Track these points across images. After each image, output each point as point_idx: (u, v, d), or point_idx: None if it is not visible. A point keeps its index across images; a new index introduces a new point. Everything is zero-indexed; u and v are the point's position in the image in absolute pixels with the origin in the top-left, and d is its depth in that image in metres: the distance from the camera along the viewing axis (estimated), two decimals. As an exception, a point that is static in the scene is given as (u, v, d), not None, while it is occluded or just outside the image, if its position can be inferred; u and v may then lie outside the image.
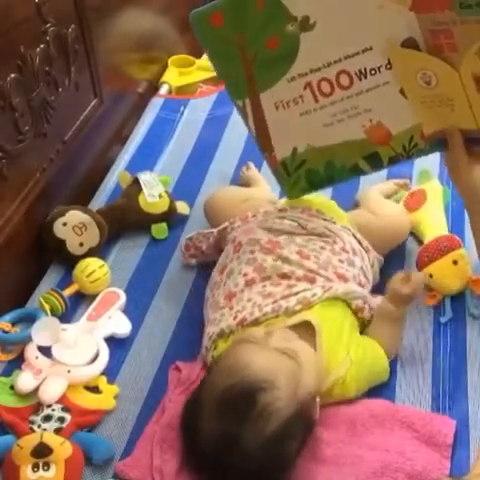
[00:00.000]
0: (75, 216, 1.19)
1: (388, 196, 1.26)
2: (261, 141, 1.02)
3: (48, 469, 0.86)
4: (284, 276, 0.98)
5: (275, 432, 0.80)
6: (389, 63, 0.90)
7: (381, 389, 0.97)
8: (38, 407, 0.95)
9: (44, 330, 1.01)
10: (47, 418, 0.93)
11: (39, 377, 0.97)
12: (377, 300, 1.01)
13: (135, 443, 0.92)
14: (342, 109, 0.95)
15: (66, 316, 1.09)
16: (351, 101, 0.94)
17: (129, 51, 1.57)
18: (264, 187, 1.28)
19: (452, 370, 1.00)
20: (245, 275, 1.00)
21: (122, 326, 1.08)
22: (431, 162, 1.26)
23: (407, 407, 0.95)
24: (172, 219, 1.28)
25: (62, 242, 1.18)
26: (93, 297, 1.12)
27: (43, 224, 1.19)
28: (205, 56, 1.72)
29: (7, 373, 1.01)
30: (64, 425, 0.92)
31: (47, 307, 1.07)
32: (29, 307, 1.12)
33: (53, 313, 1.07)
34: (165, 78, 1.73)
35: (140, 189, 1.27)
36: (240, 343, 0.89)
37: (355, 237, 1.08)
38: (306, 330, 0.92)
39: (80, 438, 0.91)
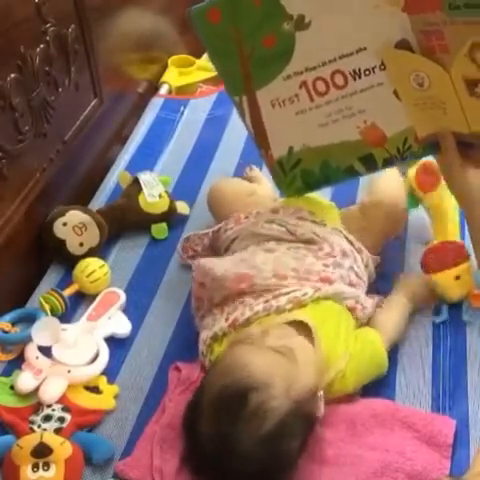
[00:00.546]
0: (75, 216, 1.19)
1: None
2: (258, 138, 1.03)
3: (48, 469, 0.86)
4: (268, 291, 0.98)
5: (271, 431, 0.79)
6: (383, 64, 0.90)
7: (381, 388, 0.97)
8: (38, 407, 0.95)
9: (44, 330, 1.01)
10: (47, 418, 0.93)
11: (39, 377, 0.97)
12: (373, 301, 1.02)
13: (135, 443, 0.92)
14: (337, 109, 0.95)
15: (66, 316, 1.09)
16: (346, 101, 0.94)
17: (129, 51, 1.57)
18: (266, 185, 1.29)
19: (452, 370, 1.00)
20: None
21: (122, 326, 1.08)
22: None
23: (407, 407, 0.95)
24: (172, 219, 1.28)
25: (62, 242, 1.18)
26: (93, 297, 1.12)
27: (43, 224, 1.19)
28: (205, 56, 1.73)
29: (7, 373, 1.01)
30: (64, 425, 0.92)
31: (47, 307, 1.07)
32: (29, 307, 1.12)
33: (53, 313, 1.07)
34: (165, 78, 1.73)
35: (140, 189, 1.27)
36: (236, 344, 0.89)
37: (347, 239, 1.07)
38: (304, 327, 0.92)
39: (80, 438, 0.91)
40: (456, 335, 1.05)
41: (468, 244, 1.04)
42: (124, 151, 1.48)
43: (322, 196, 1.16)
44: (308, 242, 1.04)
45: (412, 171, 1.17)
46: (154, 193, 1.27)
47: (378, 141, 0.97)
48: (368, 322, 1.01)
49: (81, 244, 1.18)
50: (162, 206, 1.26)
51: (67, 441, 0.89)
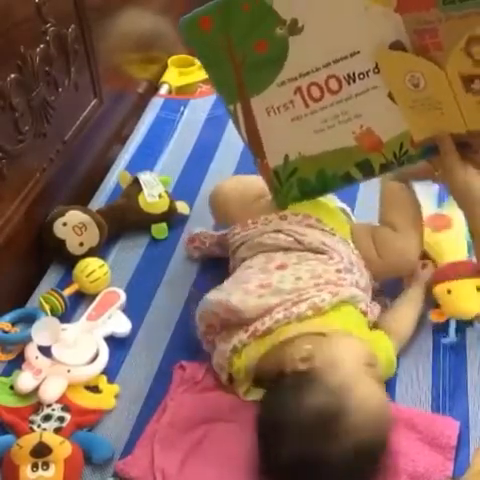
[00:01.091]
0: (75, 216, 1.19)
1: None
2: (253, 147, 1.01)
3: (47, 469, 0.86)
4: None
5: (359, 451, 0.78)
6: (377, 67, 0.89)
7: (381, 389, 0.97)
8: (38, 407, 0.95)
9: (44, 330, 1.01)
10: (47, 418, 0.93)
11: (39, 377, 0.97)
12: (378, 306, 1.02)
13: (135, 443, 0.91)
14: (332, 115, 0.94)
15: (66, 316, 1.09)
16: (341, 106, 0.93)
17: (129, 51, 1.57)
18: None
19: (452, 370, 1.00)
20: None
21: (122, 326, 1.08)
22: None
23: (410, 408, 0.95)
24: (172, 219, 1.28)
25: (62, 242, 1.18)
26: (93, 297, 1.12)
27: (43, 224, 1.19)
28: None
29: (7, 373, 1.01)
30: (64, 425, 0.92)
31: (47, 307, 1.07)
32: (29, 307, 1.12)
33: (53, 313, 1.07)
34: (165, 78, 1.73)
35: (140, 189, 1.27)
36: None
37: (353, 252, 1.05)
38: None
39: (80, 438, 0.91)
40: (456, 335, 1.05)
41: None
42: (124, 151, 1.48)
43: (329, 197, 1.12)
44: (317, 251, 1.02)
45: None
46: (154, 193, 1.27)
47: (374, 146, 0.96)
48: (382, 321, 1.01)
49: (81, 244, 1.19)
50: (162, 206, 1.26)
51: (66, 441, 0.89)
